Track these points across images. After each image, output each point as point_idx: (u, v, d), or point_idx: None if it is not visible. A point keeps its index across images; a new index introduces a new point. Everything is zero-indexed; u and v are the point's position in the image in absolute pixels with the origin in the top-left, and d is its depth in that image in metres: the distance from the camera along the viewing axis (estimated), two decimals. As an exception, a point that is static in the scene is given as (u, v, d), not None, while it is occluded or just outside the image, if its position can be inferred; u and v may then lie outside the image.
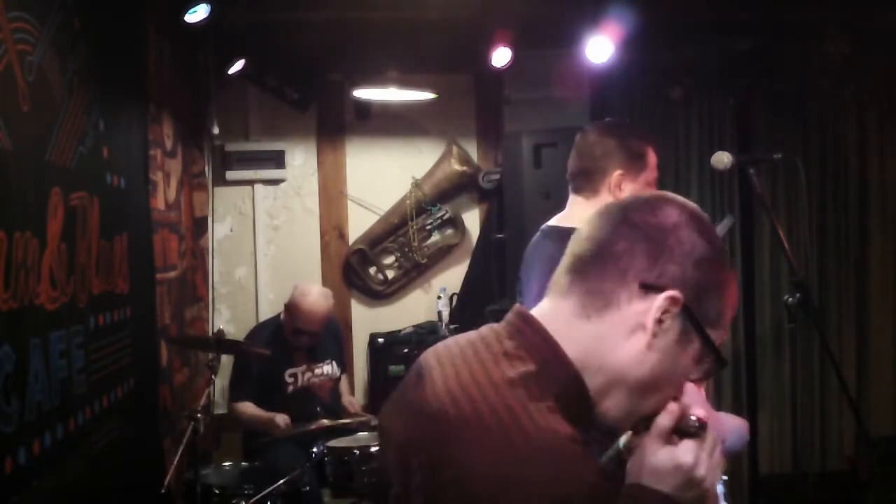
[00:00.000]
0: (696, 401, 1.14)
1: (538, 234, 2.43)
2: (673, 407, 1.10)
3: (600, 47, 4.26)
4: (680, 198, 1.16)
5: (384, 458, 1.25)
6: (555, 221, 2.41)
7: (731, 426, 2.23)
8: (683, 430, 1.10)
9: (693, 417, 1.10)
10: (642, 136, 2.39)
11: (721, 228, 3.67)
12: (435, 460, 1.04)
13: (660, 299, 1.08)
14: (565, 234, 2.30)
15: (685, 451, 1.09)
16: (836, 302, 5.22)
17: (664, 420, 1.10)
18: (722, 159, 2.58)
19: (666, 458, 1.09)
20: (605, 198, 2.30)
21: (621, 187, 2.29)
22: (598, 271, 1.11)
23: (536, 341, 1.11)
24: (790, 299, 2.65)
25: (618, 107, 4.93)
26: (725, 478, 2.56)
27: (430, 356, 1.20)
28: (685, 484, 1.08)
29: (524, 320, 1.14)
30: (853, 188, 5.23)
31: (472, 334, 1.20)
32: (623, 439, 1.14)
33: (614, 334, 1.10)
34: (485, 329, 1.20)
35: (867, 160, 5.22)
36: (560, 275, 1.17)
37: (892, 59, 4.90)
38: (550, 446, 1.01)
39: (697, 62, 4.89)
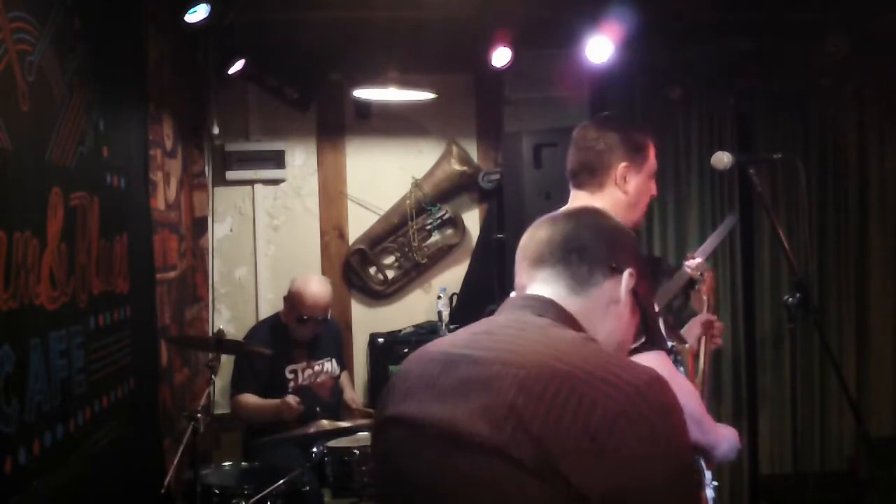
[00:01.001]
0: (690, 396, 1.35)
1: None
2: None
3: (600, 47, 4.26)
4: (604, 211, 1.52)
5: (411, 449, 1.28)
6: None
7: (723, 435, 2.24)
8: None
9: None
10: (642, 129, 2.39)
11: (723, 228, 3.66)
12: (557, 407, 1.13)
13: (626, 276, 1.38)
14: None
15: None
16: (836, 302, 5.22)
17: None
18: (722, 159, 2.58)
19: None
20: (610, 191, 2.29)
21: (626, 179, 2.29)
22: (577, 258, 1.38)
23: (563, 314, 1.34)
24: (790, 299, 2.65)
25: (618, 107, 4.93)
26: (716, 483, 2.56)
27: (443, 348, 1.32)
28: None
29: (542, 300, 1.36)
30: (853, 188, 5.23)
31: (483, 324, 1.37)
32: None
33: (598, 306, 1.37)
34: (499, 318, 1.38)
35: (867, 160, 5.22)
36: (532, 268, 1.42)
37: (892, 59, 4.90)
38: (659, 377, 1.20)
39: (697, 62, 4.89)
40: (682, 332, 2.78)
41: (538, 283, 1.39)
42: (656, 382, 1.18)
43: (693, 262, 3.12)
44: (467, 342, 1.31)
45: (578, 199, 2.36)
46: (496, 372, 1.20)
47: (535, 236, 1.45)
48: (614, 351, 1.36)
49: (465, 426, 1.19)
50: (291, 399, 3.97)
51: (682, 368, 2.61)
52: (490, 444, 1.15)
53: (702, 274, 2.88)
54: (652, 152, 2.35)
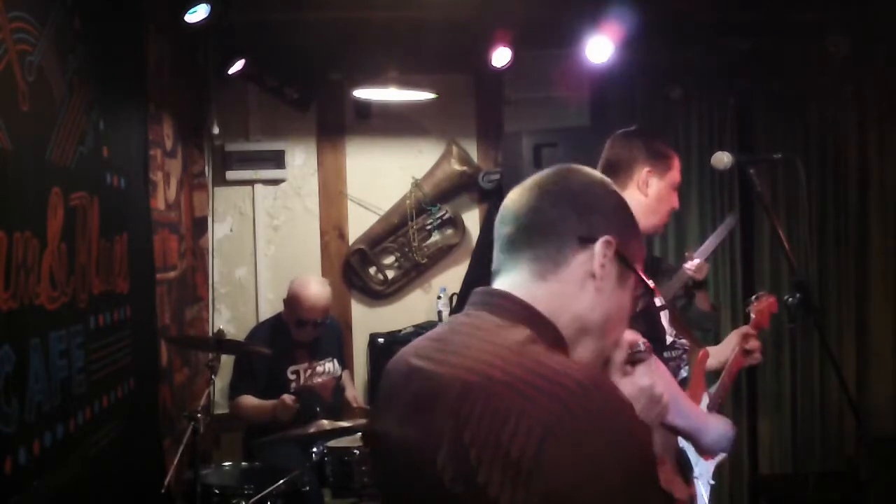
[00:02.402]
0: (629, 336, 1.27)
1: None
2: (623, 341, 1.26)
3: (600, 47, 4.26)
4: (576, 166, 1.32)
5: (386, 463, 1.27)
6: None
7: (712, 423, 2.24)
8: (634, 358, 1.25)
9: (640, 344, 1.25)
10: (667, 146, 2.52)
11: (723, 228, 3.66)
12: (489, 428, 1.06)
13: (598, 245, 1.21)
14: None
15: (641, 375, 1.25)
16: (836, 302, 5.22)
17: (619, 355, 1.25)
18: (722, 159, 2.59)
19: (629, 386, 1.24)
20: (631, 192, 2.39)
21: (648, 183, 2.40)
22: (539, 239, 1.23)
23: (518, 309, 1.20)
24: (790, 299, 2.65)
25: (618, 107, 4.93)
26: (713, 482, 2.56)
27: (407, 358, 1.26)
28: (650, 403, 1.25)
29: (499, 296, 1.24)
30: (853, 188, 5.23)
31: (443, 328, 1.28)
32: None
33: (571, 288, 1.22)
34: (459, 317, 1.27)
35: (867, 160, 5.22)
36: (501, 253, 1.28)
37: (892, 59, 4.90)
38: (596, 379, 1.11)
39: (697, 62, 4.89)
40: (727, 340, 2.81)
41: (502, 274, 1.27)
42: (591, 383, 1.08)
43: (692, 264, 3.13)
44: (425, 351, 1.24)
45: None
46: (441, 387, 1.14)
47: (503, 212, 1.30)
48: (602, 330, 1.23)
49: (415, 448, 1.16)
50: (287, 398, 3.96)
51: (686, 367, 2.61)
52: (433, 470, 1.10)
53: (758, 297, 2.92)
54: (676, 164, 2.47)
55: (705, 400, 2.71)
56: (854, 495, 4.89)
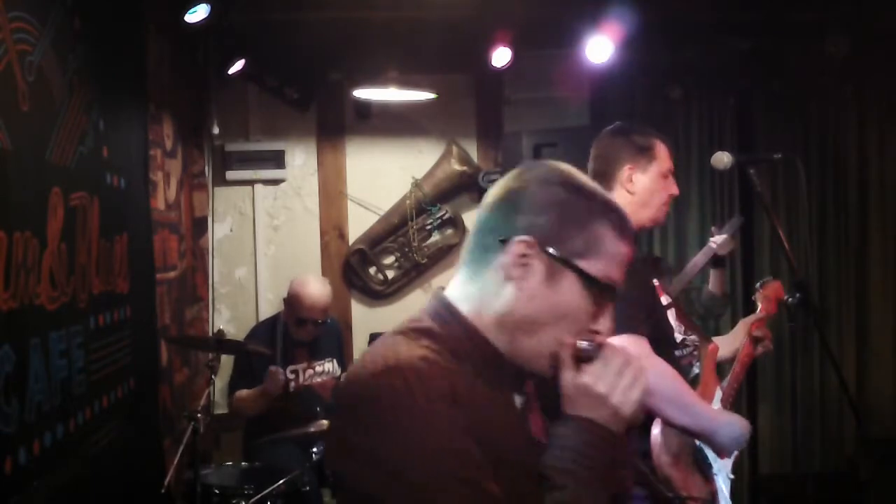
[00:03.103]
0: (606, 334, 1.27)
1: None
2: (567, 340, 1.23)
3: (600, 47, 4.26)
4: (536, 163, 1.34)
5: None
6: None
7: (724, 420, 2.24)
8: (583, 357, 1.23)
9: (584, 344, 1.23)
10: (648, 132, 2.48)
11: (729, 228, 3.66)
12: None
13: (511, 246, 1.23)
14: None
15: (586, 374, 1.22)
16: (836, 302, 5.22)
17: (562, 352, 1.24)
18: (722, 159, 2.59)
19: (570, 383, 1.23)
20: (618, 194, 2.39)
21: (632, 180, 2.39)
22: (475, 240, 1.31)
23: (439, 307, 1.28)
24: (790, 299, 2.65)
25: (618, 107, 4.93)
26: (732, 476, 2.56)
27: None
28: (593, 403, 1.21)
29: (435, 297, 1.32)
30: (853, 188, 5.23)
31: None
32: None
33: (493, 287, 1.25)
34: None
35: (867, 160, 5.22)
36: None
37: (892, 59, 4.90)
38: (401, 360, 1.17)
39: (697, 62, 4.89)
40: (734, 331, 2.81)
41: (455, 275, 1.33)
42: (379, 372, 1.16)
43: (718, 238, 3.16)
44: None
45: None
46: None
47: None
48: (532, 329, 1.23)
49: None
50: (274, 368, 3.97)
51: (697, 364, 2.61)
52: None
53: (763, 283, 2.93)
54: (661, 152, 2.44)
55: (719, 394, 2.71)
56: (854, 495, 4.89)
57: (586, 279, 1.22)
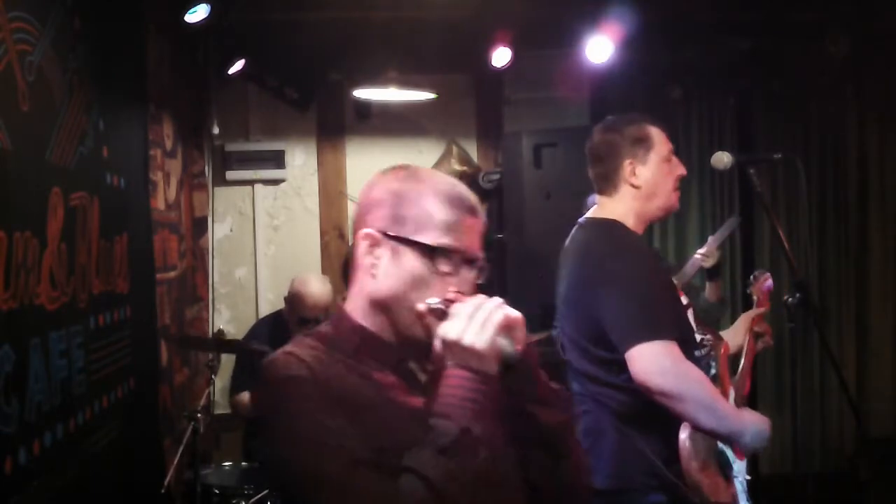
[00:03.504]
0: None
1: (575, 227, 2.51)
2: (419, 305, 1.39)
3: (600, 47, 4.27)
4: (390, 170, 1.49)
5: None
6: (590, 214, 2.48)
7: (748, 421, 2.25)
8: (439, 314, 1.37)
9: (433, 302, 1.38)
10: (637, 120, 2.46)
11: (726, 228, 3.67)
12: None
13: (359, 241, 1.42)
14: (601, 223, 2.31)
15: (441, 327, 1.35)
16: (836, 302, 5.22)
17: (426, 317, 1.39)
18: (722, 159, 2.58)
19: (436, 339, 1.37)
20: (625, 189, 2.38)
21: (636, 173, 2.37)
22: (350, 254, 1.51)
23: (335, 314, 1.51)
24: (790, 299, 2.65)
25: (618, 107, 4.93)
26: (749, 478, 2.55)
27: None
28: (452, 350, 1.34)
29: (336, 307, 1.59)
30: (853, 188, 5.23)
31: None
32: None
33: (360, 276, 1.44)
34: None
35: (867, 160, 5.22)
36: None
37: (892, 59, 4.90)
38: (275, 356, 1.41)
39: (697, 62, 4.89)
40: (735, 326, 2.81)
41: None
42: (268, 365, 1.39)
43: (703, 249, 3.16)
44: None
45: (601, 203, 2.46)
46: None
47: None
48: (396, 303, 1.41)
49: None
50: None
51: (714, 363, 2.60)
52: None
53: (755, 277, 2.92)
54: (657, 137, 2.41)
55: (732, 393, 2.70)
56: (854, 495, 4.89)
57: (424, 249, 1.39)
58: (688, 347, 2.28)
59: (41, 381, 2.18)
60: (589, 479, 1.57)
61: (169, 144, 4.01)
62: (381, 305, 1.42)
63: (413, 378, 1.43)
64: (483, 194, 5.12)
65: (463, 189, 1.50)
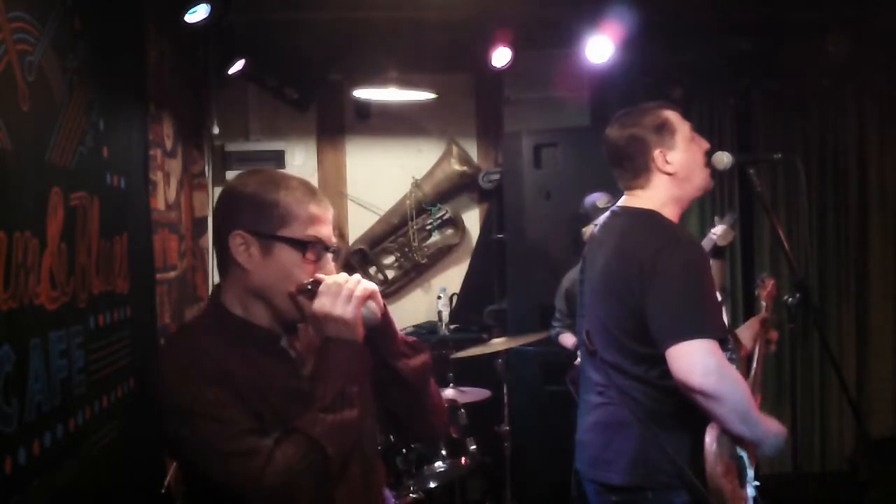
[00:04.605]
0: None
1: (607, 215, 2.44)
2: (290, 288, 1.62)
3: (600, 47, 4.27)
4: (245, 174, 1.71)
5: None
6: (624, 203, 2.41)
7: (771, 430, 2.24)
8: (308, 294, 1.59)
9: (306, 284, 1.60)
10: (655, 108, 2.40)
11: (728, 220, 3.66)
12: None
13: (230, 241, 1.62)
14: (641, 214, 2.29)
15: (314, 303, 1.58)
16: (836, 302, 5.22)
17: (298, 298, 1.62)
18: (722, 159, 2.58)
19: (308, 315, 1.60)
20: (658, 180, 2.33)
21: (668, 160, 2.32)
22: (216, 252, 1.70)
23: (210, 305, 1.72)
24: (790, 299, 2.64)
25: (618, 107, 4.91)
26: (758, 483, 2.54)
27: None
28: (324, 323, 1.57)
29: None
30: (853, 188, 5.23)
31: None
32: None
33: (236, 273, 1.65)
34: None
35: (867, 160, 5.22)
36: None
37: (892, 59, 4.90)
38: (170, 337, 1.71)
39: (697, 62, 4.89)
40: (738, 330, 2.78)
41: None
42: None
43: (718, 229, 3.14)
44: None
45: (634, 195, 2.39)
46: None
47: None
48: (268, 292, 1.63)
49: None
50: None
51: (735, 366, 2.59)
52: None
53: (762, 280, 2.91)
54: (675, 119, 2.37)
55: None
56: (854, 495, 4.89)
57: (289, 242, 1.60)
58: (724, 347, 2.24)
59: (41, 382, 2.18)
60: (444, 413, 1.88)
61: (169, 144, 4.01)
62: (257, 294, 1.63)
63: (285, 355, 1.66)
64: (483, 194, 5.13)
65: (313, 186, 1.70)
